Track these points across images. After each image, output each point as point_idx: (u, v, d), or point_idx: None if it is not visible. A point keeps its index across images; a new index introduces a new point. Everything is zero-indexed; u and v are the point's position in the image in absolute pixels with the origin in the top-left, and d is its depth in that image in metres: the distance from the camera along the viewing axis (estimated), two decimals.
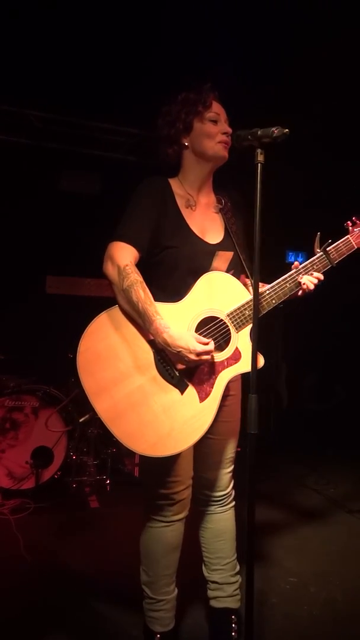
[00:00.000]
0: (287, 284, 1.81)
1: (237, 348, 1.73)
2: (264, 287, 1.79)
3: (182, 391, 1.66)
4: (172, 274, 1.75)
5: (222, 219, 1.90)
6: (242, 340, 1.74)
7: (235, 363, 1.73)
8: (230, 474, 1.97)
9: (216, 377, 1.71)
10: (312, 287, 1.82)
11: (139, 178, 1.80)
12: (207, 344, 1.61)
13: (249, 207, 1.63)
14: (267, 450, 4.22)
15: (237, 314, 1.74)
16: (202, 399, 1.68)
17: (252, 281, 1.54)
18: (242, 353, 1.73)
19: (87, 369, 1.63)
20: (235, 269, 1.83)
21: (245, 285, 1.82)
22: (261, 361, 1.67)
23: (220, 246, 1.82)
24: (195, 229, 1.80)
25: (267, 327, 1.76)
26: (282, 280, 1.81)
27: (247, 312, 1.74)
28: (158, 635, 1.87)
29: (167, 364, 1.66)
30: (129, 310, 1.65)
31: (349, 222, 1.92)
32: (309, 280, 1.81)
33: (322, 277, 1.84)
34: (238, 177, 1.91)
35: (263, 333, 1.55)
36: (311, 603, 2.23)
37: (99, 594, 2.24)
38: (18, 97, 3.86)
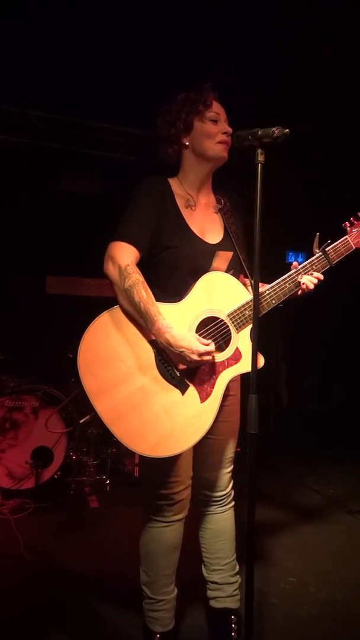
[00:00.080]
0: (287, 284, 1.81)
1: (237, 348, 1.73)
2: (263, 287, 1.79)
3: (183, 391, 1.66)
4: (172, 274, 1.75)
5: (221, 219, 1.90)
6: (242, 340, 1.74)
7: (236, 363, 1.73)
8: (230, 474, 1.97)
9: (217, 378, 1.71)
10: (311, 287, 1.82)
11: (139, 178, 1.80)
12: (208, 344, 1.61)
13: (249, 207, 1.63)
14: (267, 450, 4.22)
15: (238, 314, 1.74)
16: (202, 399, 1.68)
17: (252, 281, 1.54)
18: (242, 353, 1.73)
19: (88, 369, 1.62)
20: (234, 269, 1.83)
21: (244, 285, 1.83)
22: (261, 361, 1.67)
23: (220, 246, 1.82)
24: (195, 229, 1.80)
25: (267, 327, 1.76)
26: (282, 280, 1.81)
27: (247, 312, 1.74)
28: (158, 636, 1.87)
29: (168, 364, 1.66)
30: (131, 311, 1.64)
31: (347, 222, 1.92)
32: (309, 280, 1.81)
33: (322, 277, 1.85)
34: (238, 177, 1.92)
35: (263, 333, 1.55)
36: (311, 603, 2.22)
37: (99, 594, 2.24)
38: (18, 97, 3.86)
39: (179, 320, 1.66)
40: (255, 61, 3.29)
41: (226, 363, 1.72)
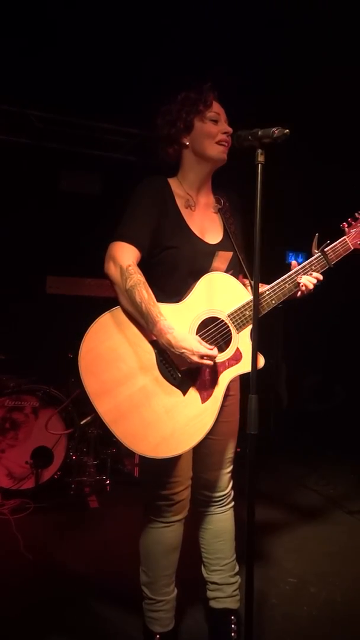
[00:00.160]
0: (287, 285, 1.81)
1: (237, 349, 1.73)
2: (263, 288, 1.79)
3: (184, 392, 1.66)
4: (172, 274, 1.75)
5: (220, 219, 1.90)
6: (242, 340, 1.74)
7: (237, 363, 1.73)
8: (230, 475, 1.97)
9: (218, 378, 1.71)
10: (311, 287, 1.83)
11: (140, 178, 1.80)
12: (211, 349, 1.60)
13: (249, 207, 1.63)
14: (267, 451, 4.22)
15: (238, 315, 1.74)
16: (204, 400, 1.68)
17: (252, 282, 1.54)
18: (242, 353, 1.73)
19: (89, 370, 1.62)
20: (234, 269, 1.83)
21: (243, 285, 1.83)
22: (261, 361, 1.67)
23: (220, 246, 1.82)
24: (195, 229, 1.80)
25: (267, 327, 1.76)
26: (282, 280, 1.81)
27: (247, 313, 1.74)
28: (157, 636, 1.87)
29: (169, 365, 1.66)
30: (132, 311, 1.64)
31: (344, 223, 1.93)
32: (308, 281, 1.82)
33: (321, 277, 1.85)
34: (238, 177, 1.92)
35: (263, 333, 1.55)
36: (311, 603, 2.22)
37: (99, 594, 2.24)
38: (18, 97, 3.86)
39: (179, 321, 1.66)
40: (255, 61, 3.30)
41: (227, 363, 1.72)
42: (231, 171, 1.88)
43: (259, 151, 1.50)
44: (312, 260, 1.85)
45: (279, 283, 1.81)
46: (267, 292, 1.79)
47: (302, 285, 1.81)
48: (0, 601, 2.19)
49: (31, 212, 4.22)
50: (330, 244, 1.87)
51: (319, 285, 1.85)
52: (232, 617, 1.96)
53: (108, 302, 1.70)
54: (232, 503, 2.01)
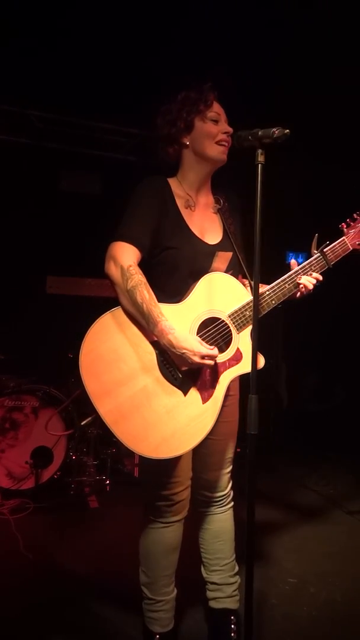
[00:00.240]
0: (287, 285, 1.82)
1: (238, 349, 1.73)
2: (263, 288, 1.80)
3: (185, 392, 1.66)
4: (172, 274, 1.75)
5: (220, 220, 1.90)
6: (243, 341, 1.74)
7: (237, 364, 1.73)
8: (229, 475, 1.97)
9: (218, 378, 1.71)
10: (310, 287, 1.83)
11: (140, 178, 1.80)
12: (211, 350, 1.60)
13: (249, 208, 1.63)
14: (267, 451, 4.22)
15: (238, 315, 1.74)
16: (204, 400, 1.68)
17: (252, 282, 1.54)
18: (243, 354, 1.73)
19: (90, 371, 1.61)
20: (233, 269, 1.83)
21: (243, 285, 1.83)
22: (262, 361, 1.67)
23: (220, 246, 1.82)
24: (195, 229, 1.80)
25: (267, 327, 1.77)
26: (282, 281, 1.82)
27: (247, 313, 1.74)
28: (157, 636, 1.87)
29: (170, 365, 1.66)
30: (133, 312, 1.64)
31: (343, 224, 1.93)
32: (308, 281, 1.82)
33: (320, 277, 1.86)
34: (238, 177, 1.92)
35: (263, 333, 1.55)
36: (311, 604, 2.22)
37: (98, 594, 2.24)
38: (18, 97, 3.86)
39: (180, 322, 1.66)
40: (255, 61, 3.29)
41: (227, 364, 1.72)
42: (231, 171, 1.88)
43: (259, 151, 1.50)
44: (311, 261, 1.85)
45: (278, 283, 1.81)
46: (267, 293, 1.79)
47: (302, 286, 1.82)
48: (0, 601, 2.19)
49: (31, 212, 4.22)
50: (330, 245, 1.88)
51: (318, 286, 1.86)
52: (232, 617, 1.96)
53: (108, 302, 1.70)
54: (232, 503, 2.01)
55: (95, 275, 4.43)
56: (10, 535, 2.73)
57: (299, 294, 1.84)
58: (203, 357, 1.58)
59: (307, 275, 1.83)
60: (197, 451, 1.83)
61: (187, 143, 1.80)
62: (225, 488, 1.96)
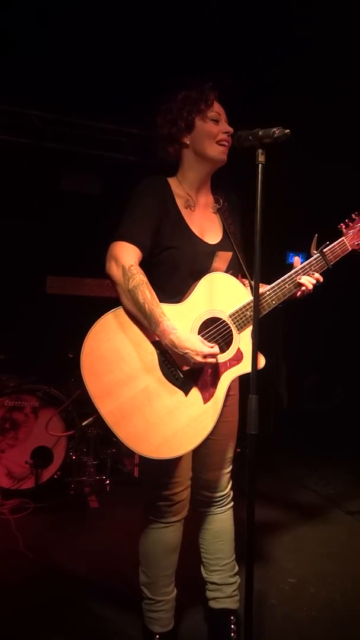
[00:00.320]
0: (287, 285, 1.82)
1: (239, 349, 1.73)
2: (264, 288, 1.80)
3: (186, 393, 1.66)
4: (172, 274, 1.75)
5: (220, 220, 1.90)
6: (243, 341, 1.74)
7: (238, 364, 1.73)
8: (229, 475, 1.97)
9: (219, 378, 1.71)
10: (310, 287, 1.83)
11: (140, 178, 1.80)
12: (212, 347, 1.60)
13: (249, 208, 1.63)
14: (267, 451, 4.22)
15: (239, 315, 1.74)
16: (205, 400, 1.68)
17: (252, 282, 1.54)
18: (244, 354, 1.73)
19: (91, 371, 1.61)
20: (233, 269, 1.83)
21: (242, 285, 1.83)
22: (262, 361, 1.67)
23: (220, 246, 1.82)
24: (195, 229, 1.80)
25: (268, 327, 1.77)
26: (282, 281, 1.82)
27: (248, 313, 1.74)
28: (157, 636, 1.87)
29: (171, 365, 1.66)
30: (134, 311, 1.63)
31: (342, 224, 1.94)
32: (308, 281, 1.82)
33: (321, 278, 1.86)
34: (238, 177, 1.92)
35: (263, 333, 1.55)
36: (310, 604, 2.22)
37: (98, 594, 2.24)
38: (19, 97, 3.86)
39: (181, 322, 1.66)
40: (255, 61, 3.29)
41: (228, 364, 1.72)
42: (231, 171, 1.88)
43: (260, 151, 1.50)
44: (311, 261, 1.85)
45: (279, 283, 1.81)
46: (268, 293, 1.79)
47: (302, 286, 1.82)
48: (0, 600, 2.19)
49: (31, 212, 4.22)
50: (329, 245, 1.88)
51: (318, 286, 1.86)
52: (232, 618, 1.96)
53: (108, 302, 1.70)
54: (232, 503, 2.01)
55: (95, 275, 4.44)
56: (10, 535, 2.73)
57: (299, 293, 1.85)
58: (205, 356, 1.57)
59: (307, 275, 1.83)
60: (197, 451, 1.82)
61: (188, 142, 1.80)
62: (225, 488, 1.96)
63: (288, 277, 1.82)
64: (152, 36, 3.15)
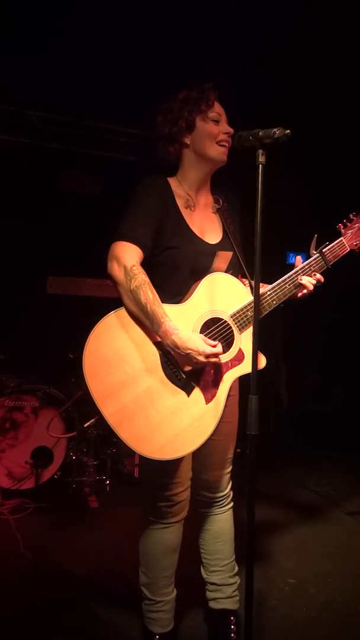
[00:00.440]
0: (287, 285, 1.82)
1: (240, 349, 1.73)
2: (264, 288, 1.80)
3: (188, 393, 1.66)
4: (172, 274, 1.74)
5: (219, 219, 1.90)
6: (245, 341, 1.74)
7: (239, 364, 1.73)
8: (229, 475, 1.97)
9: (221, 379, 1.71)
10: (311, 287, 1.83)
11: (140, 178, 1.80)
12: (214, 346, 1.60)
13: (248, 208, 1.63)
14: (267, 451, 4.22)
15: (240, 315, 1.74)
16: (208, 401, 1.68)
17: (253, 282, 1.54)
18: (245, 354, 1.73)
19: (93, 372, 1.60)
20: (233, 269, 1.83)
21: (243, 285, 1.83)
22: (263, 361, 1.67)
23: (220, 246, 1.82)
24: (195, 229, 1.80)
25: (268, 327, 1.76)
26: (282, 281, 1.82)
27: (249, 313, 1.74)
28: (157, 637, 1.86)
29: (173, 366, 1.65)
30: (136, 312, 1.63)
31: (340, 224, 1.94)
32: (309, 281, 1.82)
33: (322, 278, 1.86)
34: (238, 177, 1.91)
35: (264, 334, 1.55)
36: (310, 604, 2.22)
37: (98, 595, 2.24)
38: (19, 97, 3.86)
39: (182, 322, 1.66)
40: (255, 61, 3.29)
41: (230, 364, 1.72)
42: (231, 171, 1.88)
43: (260, 152, 1.50)
44: (310, 262, 1.86)
45: (279, 284, 1.81)
46: (268, 293, 1.79)
47: (303, 287, 1.82)
48: (0, 601, 2.19)
49: (31, 212, 4.22)
50: (328, 245, 1.89)
51: (319, 286, 1.86)
52: (232, 618, 1.96)
53: (108, 302, 1.70)
54: (232, 503, 2.01)
55: (96, 276, 4.45)
56: (10, 535, 2.73)
57: (300, 294, 1.85)
58: (208, 356, 1.57)
59: (307, 275, 1.83)
60: (197, 451, 1.82)
61: (188, 143, 1.79)
62: (225, 488, 1.96)
63: (288, 277, 1.83)
64: (152, 36, 3.15)
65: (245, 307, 1.74)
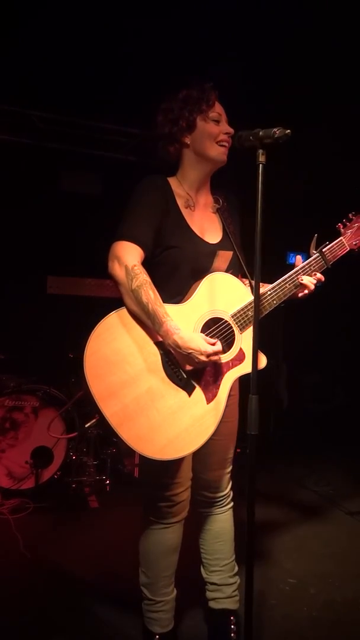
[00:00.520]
0: (287, 285, 1.82)
1: (241, 349, 1.73)
2: (265, 288, 1.80)
3: (189, 393, 1.66)
4: (173, 274, 1.74)
5: (219, 219, 1.90)
6: (245, 341, 1.74)
7: (240, 364, 1.73)
8: (229, 475, 1.97)
9: (222, 378, 1.71)
10: (312, 287, 1.83)
11: (140, 178, 1.80)
12: (214, 344, 1.60)
13: (248, 208, 1.63)
14: (267, 451, 4.21)
15: (241, 315, 1.74)
16: (209, 400, 1.68)
17: (253, 282, 1.54)
18: (246, 354, 1.73)
19: (95, 372, 1.59)
20: (233, 269, 1.83)
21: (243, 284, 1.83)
22: (263, 361, 1.67)
23: (220, 246, 1.82)
24: (195, 229, 1.79)
25: (268, 327, 1.77)
26: (282, 281, 1.82)
27: (250, 313, 1.74)
28: (157, 637, 1.86)
29: (175, 365, 1.65)
30: (137, 312, 1.63)
31: (340, 224, 1.94)
32: (309, 281, 1.82)
33: (322, 277, 1.86)
34: (238, 178, 1.91)
35: (264, 333, 1.55)
36: (310, 604, 2.22)
37: (98, 595, 2.24)
38: (19, 97, 3.86)
39: (183, 322, 1.65)
40: (256, 61, 3.29)
41: (231, 364, 1.72)
42: (231, 171, 1.88)
43: (260, 151, 1.50)
44: (310, 261, 1.86)
45: (279, 283, 1.81)
46: (269, 293, 1.79)
47: (304, 286, 1.82)
48: None
49: (32, 212, 4.22)
50: (328, 245, 1.89)
51: (319, 286, 1.86)
52: (232, 618, 1.96)
53: (108, 302, 1.70)
54: (232, 503, 2.01)
55: (96, 275, 4.45)
56: (10, 535, 2.73)
57: (300, 294, 1.85)
58: (209, 355, 1.57)
59: (307, 275, 1.83)
60: (197, 451, 1.81)
61: (188, 142, 1.79)
62: (225, 488, 1.96)
63: (288, 277, 1.83)
64: (152, 36, 3.15)
65: (246, 306, 1.74)
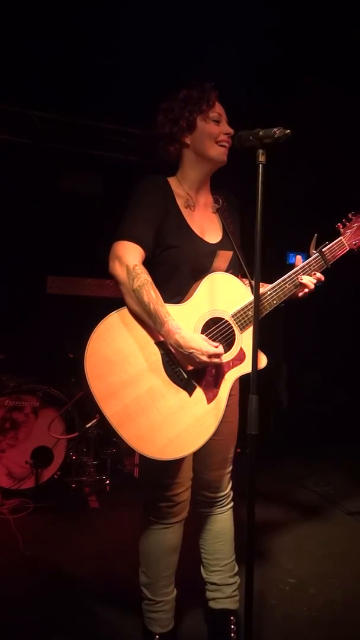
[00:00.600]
0: (287, 285, 1.82)
1: (241, 349, 1.73)
2: (265, 288, 1.80)
3: (190, 393, 1.66)
4: (173, 274, 1.74)
5: (219, 219, 1.90)
6: (246, 341, 1.74)
7: (241, 363, 1.73)
8: (229, 475, 1.97)
9: (222, 378, 1.71)
10: (312, 286, 1.84)
11: (140, 178, 1.80)
12: (216, 347, 1.60)
13: (249, 208, 1.63)
14: (267, 451, 4.22)
15: (241, 315, 1.74)
16: (209, 400, 1.68)
17: (253, 282, 1.54)
18: (246, 354, 1.74)
19: (95, 372, 1.59)
20: (233, 269, 1.83)
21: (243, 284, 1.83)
22: (264, 361, 1.67)
23: (220, 246, 1.82)
24: (195, 228, 1.80)
25: (269, 327, 1.77)
26: (282, 280, 1.82)
27: (250, 313, 1.74)
28: (157, 636, 1.87)
29: (175, 365, 1.65)
30: (139, 311, 1.63)
31: (339, 224, 1.94)
32: (309, 281, 1.83)
33: (322, 277, 1.86)
34: (238, 178, 1.91)
35: (265, 333, 1.55)
36: (311, 604, 2.22)
37: (98, 594, 2.24)
38: (20, 97, 3.86)
39: (183, 322, 1.65)
40: (255, 61, 3.29)
41: (231, 364, 1.72)
42: (231, 171, 1.88)
43: (260, 151, 1.50)
44: (310, 261, 1.86)
45: (279, 283, 1.81)
46: (269, 292, 1.79)
47: (304, 286, 1.82)
48: None
49: (32, 212, 4.22)
50: (328, 245, 1.89)
51: (319, 285, 1.86)
52: (232, 618, 1.96)
53: (109, 302, 1.70)
54: (232, 503, 2.01)
55: (96, 275, 4.44)
56: (10, 535, 2.73)
57: (300, 294, 1.85)
58: (210, 356, 1.57)
59: (307, 274, 1.83)
60: (197, 451, 1.82)
61: (188, 142, 1.79)
62: (226, 488, 1.96)
63: (288, 276, 1.83)
64: (152, 36, 3.15)
65: (246, 306, 1.75)
